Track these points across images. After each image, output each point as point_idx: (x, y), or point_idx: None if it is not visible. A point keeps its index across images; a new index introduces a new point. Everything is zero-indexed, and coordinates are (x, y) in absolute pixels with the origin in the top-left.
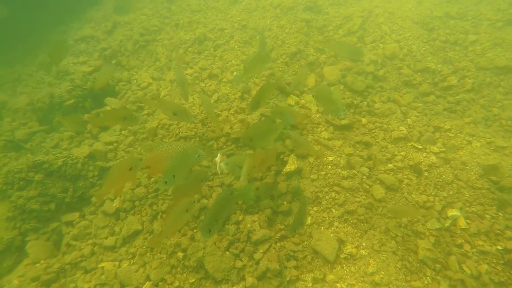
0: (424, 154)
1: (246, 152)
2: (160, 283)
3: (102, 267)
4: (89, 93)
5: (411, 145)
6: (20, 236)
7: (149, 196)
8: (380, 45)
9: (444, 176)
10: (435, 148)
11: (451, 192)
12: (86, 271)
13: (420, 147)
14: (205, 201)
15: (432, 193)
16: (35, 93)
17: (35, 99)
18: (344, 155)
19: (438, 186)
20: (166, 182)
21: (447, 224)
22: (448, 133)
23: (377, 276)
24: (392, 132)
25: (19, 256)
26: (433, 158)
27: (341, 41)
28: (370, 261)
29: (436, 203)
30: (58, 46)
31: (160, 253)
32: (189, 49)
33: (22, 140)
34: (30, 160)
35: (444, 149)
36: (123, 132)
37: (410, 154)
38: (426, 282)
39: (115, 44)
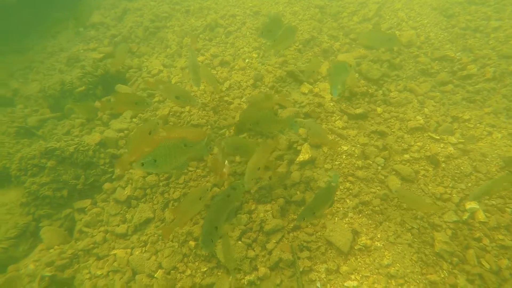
0: (442, 145)
1: (258, 141)
2: (172, 271)
3: (115, 254)
4: (100, 80)
5: (428, 135)
6: (34, 221)
7: (161, 184)
8: (397, 32)
9: (462, 168)
10: (453, 139)
11: (469, 184)
12: (98, 257)
13: (438, 137)
14: (217, 189)
15: (450, 185)
16: (46, 80)
17: (46, 86)
18: (358, 145)
19: (456, 178)
20: (142, 164)
21: (465, 217)
22: (467, 123)
23: (393, 268)
24: (409, 122)
25: (33, 241)
26: (451, 149)
27: (373, 29)
28: (385, 253)
29: (454, 195)
30: (82, 8)
31: (172, 241)
32: (200, 35)
33: (34, 127)
34: (43, 147)
35: (463, 140)
36: (134, 120)
37: (427, 145)
38: (442, 276)
39: (125, 30)
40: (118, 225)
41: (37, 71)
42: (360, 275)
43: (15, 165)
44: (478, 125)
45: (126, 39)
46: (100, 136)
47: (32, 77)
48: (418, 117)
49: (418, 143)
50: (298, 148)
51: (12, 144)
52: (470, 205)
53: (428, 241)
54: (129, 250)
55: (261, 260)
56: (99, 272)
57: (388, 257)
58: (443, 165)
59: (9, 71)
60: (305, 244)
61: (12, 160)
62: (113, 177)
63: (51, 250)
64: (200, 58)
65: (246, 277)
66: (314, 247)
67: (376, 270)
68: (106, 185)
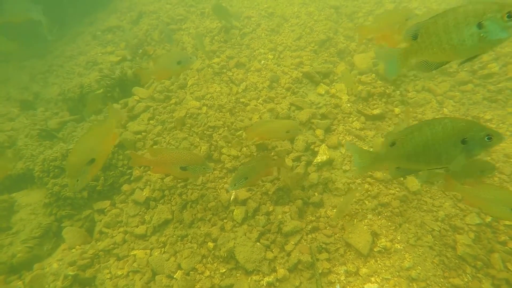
0: None
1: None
2: (191, 272)
3: (134, 255)
4: (117, 82)
5: None
6: (56, 222)
7: (178, 185)
8: None
9: None
10: None
11: None
12: (118, 258)
13: None
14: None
15: None
16: (65, 83)
17: (66, 89)
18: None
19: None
20: None
21: (488, 220)
22: (488, 123)
23: (414, 271)
24: None
25: (56, 241)
26: None
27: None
28: (406, 255)
29: None
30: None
31: (191, 242)
32: (215, 37)
33: (55, 129)
34: (64, 149)
35: None
36: (151, 122)
37: None
38: (466, 280)
39: (141, 33)
40: (137, 226)
41: (57, 75)
42: (381, 278)
43: (38, 167)
44: (501, 125)
45: (142, 42)
46: (118, 138)
47: (52, 81)
48: (437, 117)
49: None
50: (316, 149)
51: (35, 146)
52: None
53: (450, 243)
54: (148, 251)
55: (280, 261)
56: (119, 272)
57: (409, 260)
58: None
59: (30, 75)
60: (323, 245)
61: (35, 162)
62: (132, 178)
63: (73, 250)
64: (216, 60)
65: (265, 279)
66: (333, 249)
67: (397, 273)
68: (125, 187)
